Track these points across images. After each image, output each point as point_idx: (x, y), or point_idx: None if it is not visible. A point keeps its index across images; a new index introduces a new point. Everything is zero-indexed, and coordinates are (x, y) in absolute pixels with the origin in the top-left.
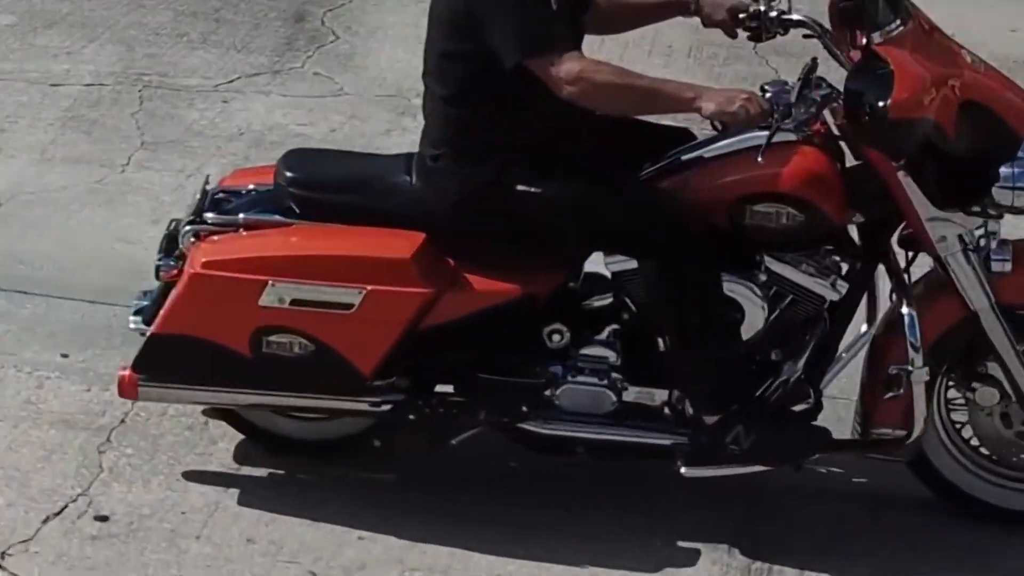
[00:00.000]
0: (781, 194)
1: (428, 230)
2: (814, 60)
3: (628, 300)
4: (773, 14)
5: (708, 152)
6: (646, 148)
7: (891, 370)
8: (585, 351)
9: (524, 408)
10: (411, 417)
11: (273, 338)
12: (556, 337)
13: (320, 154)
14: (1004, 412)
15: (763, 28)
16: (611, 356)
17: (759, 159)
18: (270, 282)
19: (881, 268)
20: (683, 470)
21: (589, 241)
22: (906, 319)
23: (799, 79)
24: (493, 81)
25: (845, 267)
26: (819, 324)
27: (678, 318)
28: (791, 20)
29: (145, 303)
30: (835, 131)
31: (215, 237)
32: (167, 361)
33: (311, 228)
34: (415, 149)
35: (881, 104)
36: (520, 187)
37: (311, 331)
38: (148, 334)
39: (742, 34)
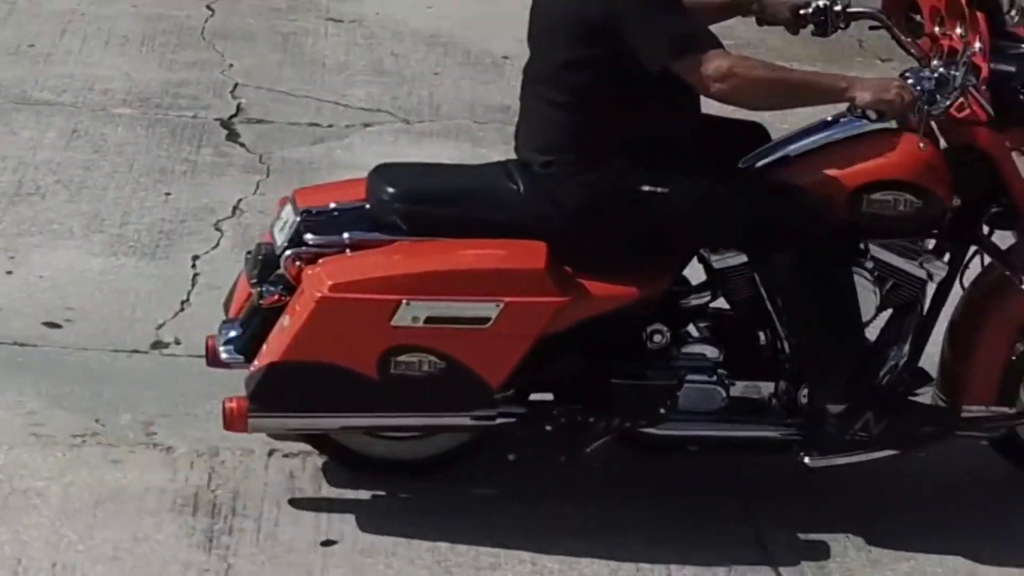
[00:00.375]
0: (901, 181)
1: (543, 238)
2: (965, 46)
3: (730, 295)
4: (838, 7)
5: (812, 144)
6: (732, 144)
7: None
8: (688, 349)
9: (661, 410)
10: (548, 428)
11: (402, 358)
12: (657, 337)
13: (414, 167)
14: None
15: (828, 23)
16: (714, 353)
17: (899, 145)
18: (404, 301)
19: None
20: (807, 460)
21: (718, 238)
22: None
23: (938, 64)
24: (619, 84)
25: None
26: (918, 307)
27: (812, 311)
28: (856, 13)
29: (233, 333)
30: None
31: (329, 259)
32: (286, 389)
33: (429, 244)
34: None
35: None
36: (646, 188)
37: (443, 348)
38: (268, 363)
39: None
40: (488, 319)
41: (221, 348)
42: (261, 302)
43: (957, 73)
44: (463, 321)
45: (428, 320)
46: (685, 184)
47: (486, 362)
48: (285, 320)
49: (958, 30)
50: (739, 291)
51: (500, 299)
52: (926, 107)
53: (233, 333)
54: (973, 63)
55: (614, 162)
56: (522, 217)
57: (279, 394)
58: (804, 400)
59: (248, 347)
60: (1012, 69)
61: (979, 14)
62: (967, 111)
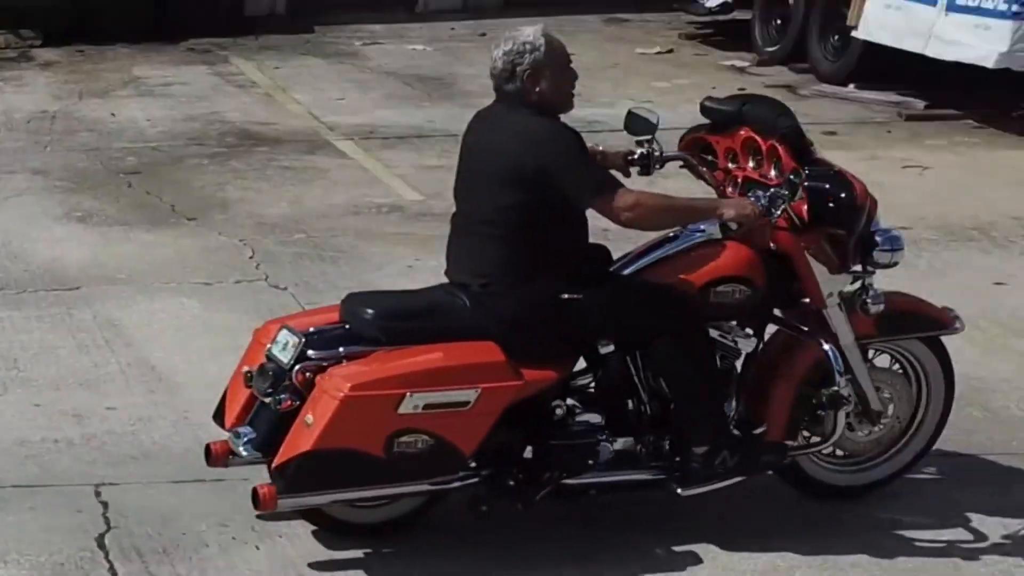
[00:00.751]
0: (737, 276)
1: (489, 339)
2: (795, 171)
3: (608, 374)
4: (656, 153)
5: (664, 253)
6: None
7: (823, 393)
8: (580, 418)
9: (590, 462)
10: (511, 483)
11: (403, 439)
12: (559, 410)
13: (379, 294)
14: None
15: (650, 164)
16: (597, 419)
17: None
18: (408, 393)
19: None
20: (680, 491)
21: (617, 330)
22: (831, 353)
23: (771, 188)
24: (543, 219)
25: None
26: (735, 370)
27: (688, 379)
28: (669, 156)
29: (248, 436)
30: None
31: (338, 367)
32: (315, 473)
33: (411, 349)
34: None
35: (844, 195)
36: (565, 296)
37: (432, 428)
38: (300, 453)
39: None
40: (468, 402)
41: (241, 449)
42: (279, 408)
43: (785, 192)
44: (451, 405)
45: (426, 407)
46: (593, 290)
47: (464, 436)
48: (308, 418)
49: (751, 164)
50: (614, 371)
51: (477, 386)
52: (769, 216)
53: (248, 436)
54: (793, 183)
55: (540, 278)
56: (470, 324)
57: (308, 476)
58: (667, 447)
59: (264, 446)
60: (826, 186)
61: (783, 147)
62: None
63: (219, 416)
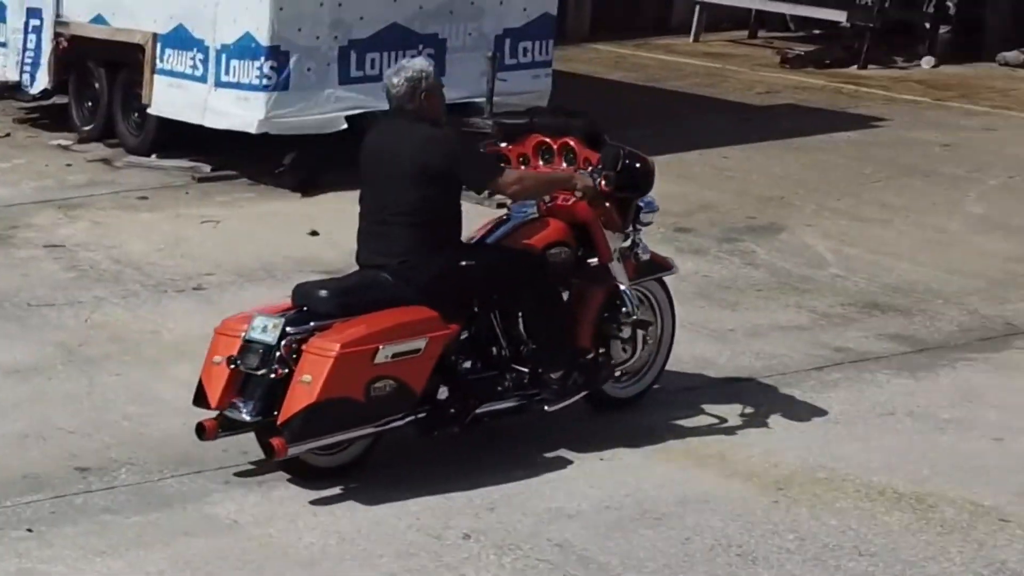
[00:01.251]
0: (561, 241)
1: (413, 304)
2: (612, 153)
3: (480, 328)
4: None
5: (511, 227)
6: None
7: (631, 320)
8: (463, 364)
9: (499, 390)
10: (451, 411)
11: (377, 384)
12: (453, 357)
13: (322, 282)
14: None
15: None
16: (470, 363)
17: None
18: (381, 346)
19: None
20: (547, 408)
21: (498, 287)
22: (627, 293)
23: (598, 164)
24: (447, 204)
25: None
26: None
27: (550, 320)
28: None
29: (246, 406)
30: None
31: (319, 336)
32: (317, 421)
33: (366, 317)
34: None
35: (642, 164)
36: (463, 263)
37: (396, 373)
38: (304, 406)
39: None
40: (420, 349)
41: (245, 415)
42: (272, 376)
43: (597, 175)
44: (409, 353)
45: (393, 355)
46: (481, 256)
47: (416, 378)
48: (305, 377)
49: (540, 162)
50: (483, 325)
51: (425, 335)
52: (598, 187)
53: (246, 406)
54: (613, 158)
55: (444, 252)
56: (396, 295)
57: (310, 425)
58: (527, 379)
59: (265, 410)
60: (630, 159)
61: (575, 141)
62: (572, 199)
63: (200, 401)
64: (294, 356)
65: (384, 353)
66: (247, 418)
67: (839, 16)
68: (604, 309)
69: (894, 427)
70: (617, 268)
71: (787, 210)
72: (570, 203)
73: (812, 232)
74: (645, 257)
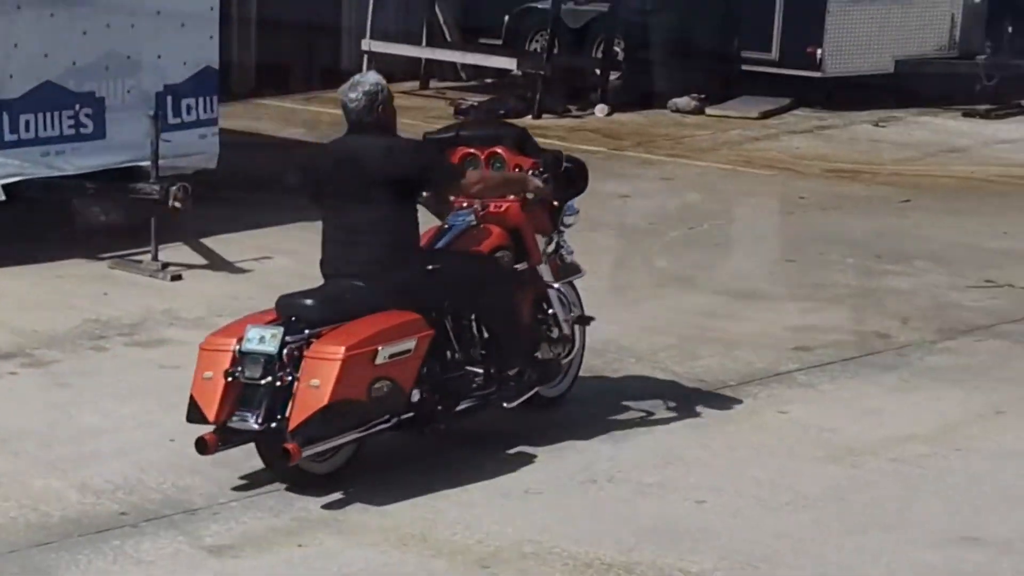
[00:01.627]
0: (503, 245)
1: (388, 309)
2: (553, 153)
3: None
4: None
5: (456, 233)
6: None
7: (562, 322)
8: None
9: (472, 390)
10: (438, 408)
11: (376, 385)
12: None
13: (304, 292)
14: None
15: None
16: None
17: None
18: (380, 347)
19: None
20: (505, 405)
21: (462, 291)
22: (561, 292)
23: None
24: (412, 212)
25: None
26: None
27: (509, 320)
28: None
29: (251, 415)
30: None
31: (320, 341)
32: (324, 423)
33: (357, 322)
34: None
35: (579, 165)
36: (430, 267)
37: (390, 374)
38: (317, 409)
39: None
40: (410, 349)
41: (254, 424)
42: (277, 383)
43: (542, 171)
44: (402, 353)
45: (390, 356)
46: (444, 261)
47: (407, 378)
48: (314, 381)
49: (496, 165)
50: (439, 326)
51: (414, 336)
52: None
53: (253, 415)
54: (555, 162)
55: (412, 258)
56: (373, 301)
57: (322, 427)
58: (481, 379)
59: (269, 417)
60: (569, 161)
61: (504, 150)
62: (504, 205)
63: (194, 417)
64: (296, 363)
65: (383, 354)
66: (256, 427)
67: (509, 64)
68: (537, 310)
69: (596, 494)
70: (545, 270)
71: None
72: (503, 209)
73: None
74: (570, 258)
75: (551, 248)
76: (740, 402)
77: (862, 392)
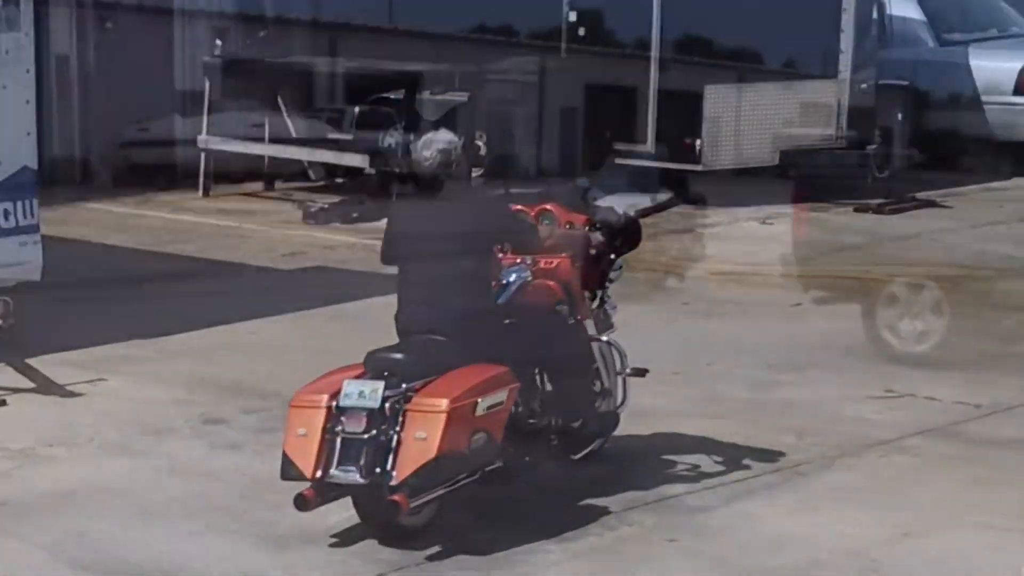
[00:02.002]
0: (563, 299)
1: (470, 364)
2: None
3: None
4: None
5: (516, 287)
6: None
7: (603, 375)
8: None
9: (552, 442)
10: (527, 458)
11: (475, 436)
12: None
13: (390, 348)
14: None
15: None
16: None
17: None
18: (479, 399)
19: None
20: (574, 456)
21: (536, 345)
22: (615, 346)
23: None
24: (486, 267)
25: None
26: None
27: (577, 375)
28: None
29: (353, 469)
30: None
31: (422, 393)
32: (430, 475)
33: (450, 374)
34: None
35: (633, 223)
36: (507, 321)
37: (485, 425)
38: (425, 462)
39: None
40: (503, 401)
41: (358, 478)
42: (381, 438)
43: (600, 236)
44: (497, 405)
45: (487, 408)
46: (519, 316)
47: (498, 429)
48: (419, 433)
49: (545, 221)
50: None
51: (506, 388)
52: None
53: (357, 469)
54: (609, 221)
55: (490, 313)
56: (458, 356)
57: (428, 478)
58: (555, 426)
59: (371, 471)
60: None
61: (555, 206)
62: (555, 261)
63: (290, 474)
64: (396, 416)
65: (482, 406)
66: (361, 480)
67: (362, 162)
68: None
69: None
70: (590, 325)
71: None
72: (554, 265)
73: None
74: (615, 313)
75: (595, 303)
76: (629, 526)
77: (757, 516)
